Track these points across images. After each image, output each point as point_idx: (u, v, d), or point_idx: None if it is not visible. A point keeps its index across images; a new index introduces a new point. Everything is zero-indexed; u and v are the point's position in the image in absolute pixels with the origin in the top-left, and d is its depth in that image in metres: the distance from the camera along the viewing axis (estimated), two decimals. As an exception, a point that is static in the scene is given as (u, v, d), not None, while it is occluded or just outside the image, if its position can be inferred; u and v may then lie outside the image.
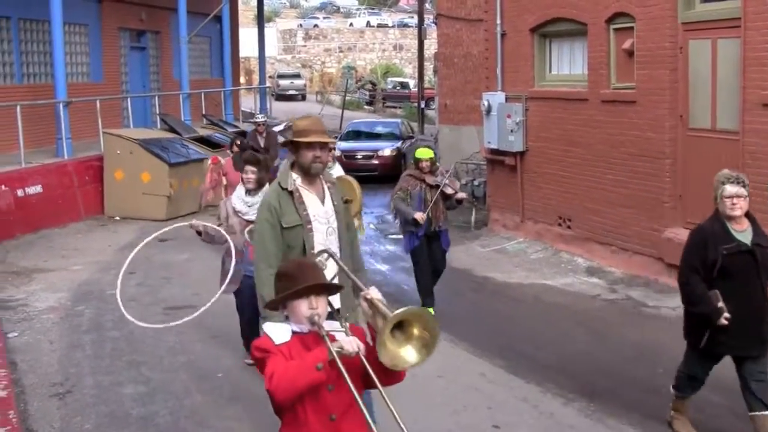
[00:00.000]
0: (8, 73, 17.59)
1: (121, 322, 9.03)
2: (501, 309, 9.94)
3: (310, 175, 4.92)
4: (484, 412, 6.65)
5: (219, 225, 7.16)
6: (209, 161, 13.25)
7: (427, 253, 9.30)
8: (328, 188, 5.06)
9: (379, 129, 24.61)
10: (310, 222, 4.89)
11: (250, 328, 7.21)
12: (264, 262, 4.84)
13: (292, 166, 4.99)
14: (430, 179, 9.22)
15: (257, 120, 15.68)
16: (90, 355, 7.97)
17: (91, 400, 6.79)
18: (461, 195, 9.51)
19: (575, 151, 12.16)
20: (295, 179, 4.93)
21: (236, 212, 7.22)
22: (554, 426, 6.35)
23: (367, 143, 22.75)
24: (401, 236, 10.08)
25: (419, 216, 9.04)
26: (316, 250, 4.69)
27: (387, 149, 22.04)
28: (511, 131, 13.36)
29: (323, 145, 4.87)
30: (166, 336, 8.52)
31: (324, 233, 4.92)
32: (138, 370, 7.51)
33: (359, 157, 21.59)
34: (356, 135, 23.82)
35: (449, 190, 9.27)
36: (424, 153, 9.39)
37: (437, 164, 9.72)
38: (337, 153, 18.79)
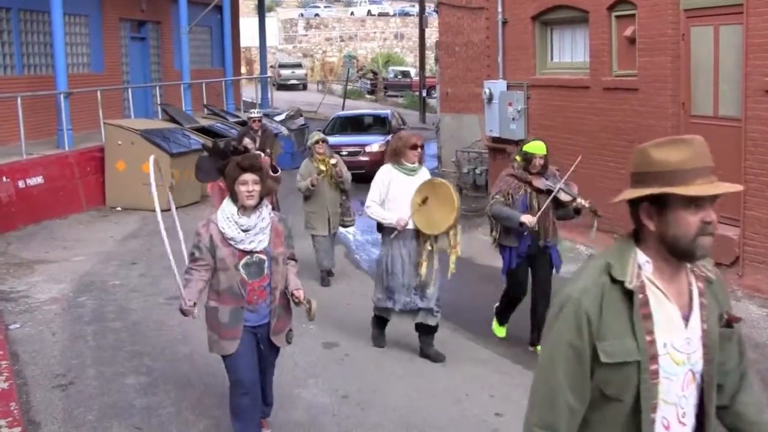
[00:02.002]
0: (9, 64, 17.55)
1: (123, 312, 9.05)
2: (503, 297, 9.92)
3: (684, 259, 2.48)
4: (486, 400, 6.65)
5: (194, 260, 5.33)
6: None
7: (531, 274, 7.81)
8: (698, 288, 2.55)
9: (368, 120, 22.65)
10: (656, 356, 2.43)
11: (250, 410, 5.39)
12: (541, 425, 2.47)
13: (636, 235, 2.54)
14: (538, 182, 7.46)
15: (252, 115, 13.70)
16: (92, 346, 7.97)
17: (93, 391, 6.79)
18: (582, 202, 7.47)
19: (577, 138, 12.13)
20: (644, 265, 2.49)
21: (226, 240, 5.17)
22: (557, 414, 6.34)
23: (353, 137, 20.58)
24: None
25: (528, 219, 7.29)
26: (661, 417, 2.45)
27: (375, 144, 19.77)
28: (513, 119, 13.34)
29: (713, 200, 2.46)
30: (167, 326, 8.53)
31: (680, 381, 2.48)
32: (140, 361, 7.51)
33: (344, 153, 17.89)
34: (342, 127, 21.73)
35: (565, 197, 7.41)
36: (536, 147, 7.49)
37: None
38: None
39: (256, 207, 5.17)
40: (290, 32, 64.38)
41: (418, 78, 37.31)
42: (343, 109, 31.49)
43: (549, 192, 7.34)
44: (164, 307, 9.24)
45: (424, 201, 7.13)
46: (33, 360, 7.52)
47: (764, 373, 7.11)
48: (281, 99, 35.91)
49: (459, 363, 7.56)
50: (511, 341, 8.20)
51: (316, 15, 67.96)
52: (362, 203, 8.05)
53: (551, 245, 7.67)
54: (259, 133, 13.09)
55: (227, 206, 5.19)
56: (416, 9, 41.98)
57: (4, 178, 13.35)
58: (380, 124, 21.96)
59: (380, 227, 7.64)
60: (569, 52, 12.90)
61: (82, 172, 15.48)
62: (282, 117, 23.46)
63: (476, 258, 11.71)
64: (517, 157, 7.63)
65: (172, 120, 17.73)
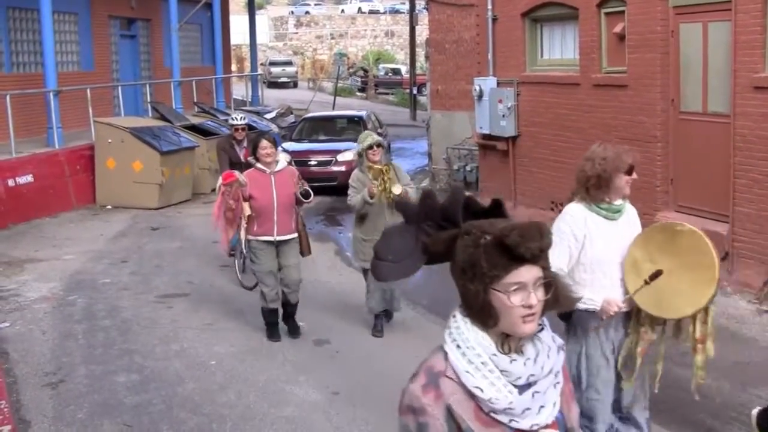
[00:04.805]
0: (-2, 62, 17.51)
1: (113, 311, 9.04)
2: (494, 294, 9.92)
3: None
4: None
5: None
6: (219, 181, 7.92)
7: None
8: None
9: (341, 123, 20.20)
10: None
11: None
12: None
13: None
14: None
15: (235, 122, 10.95)
16: (82, 344, 7.95)
17: (84, 390, 6.78)
18: None
19: (567, 135, 12.15)
20: None
21: (489, 415, 2.25)
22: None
23: (323, 144, 18.26)
24: None
25: None
26: None
27: (349, 152, 16.67)
28: (503, 116, 13.35)
29: None
30: (158, 324, 8.52)
31: None
32: (131, 359, 7.50)
33: (313, 162, 16.35)
34: (312, 131, 19.41)
35: None
36: None
37: None
38: (287, 157, 16.06)
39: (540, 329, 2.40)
40: (280, 30, 64.33)
41: (408, 75, 37.30)
42: (333, 108, 31.32)
43: None
44: (154, 305, 9.24)
45: (655, 270, 4.44)
46: (23, 358, 7.51)
47: (754, 368, 7.15)
48: (272, 97, 35.85)
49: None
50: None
51: (307, 12, 67.93)
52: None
53: None
54: (245, 144, 10.61)
55: (471, 336, 2.27)
56: (407, 6, 41.95)
57: (-6, 177, 13.32)
58: (355, 127, 19.38)
59: (566, 312, 4.46)
60: (559, 48, 12.91)
61: (72, 170, 15.45)
62: (272, 115, 23.44)
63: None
64: None
65: (162, 118, 17.71)
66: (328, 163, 17.01)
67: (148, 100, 20.68)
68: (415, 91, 34.35)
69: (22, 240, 12.63)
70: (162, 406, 6.44)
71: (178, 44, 21.98)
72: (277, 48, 61.98)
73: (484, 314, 2.23)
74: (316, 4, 72.19)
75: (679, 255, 4.38)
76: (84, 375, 7.11)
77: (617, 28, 11.06)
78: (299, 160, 15.87)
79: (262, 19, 53.92)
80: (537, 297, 2.22)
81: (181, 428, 6.06)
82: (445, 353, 2.27)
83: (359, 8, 69.61)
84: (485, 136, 14.11)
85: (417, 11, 33.02)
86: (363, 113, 21.13)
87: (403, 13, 57.18)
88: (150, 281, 10.26)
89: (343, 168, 16.80)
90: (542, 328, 2.34)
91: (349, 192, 8.01)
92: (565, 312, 4.24)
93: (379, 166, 7.88)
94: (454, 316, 2.30)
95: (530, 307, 2.21)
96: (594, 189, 4.54)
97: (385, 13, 67.44)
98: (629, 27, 10.81)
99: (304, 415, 6.26)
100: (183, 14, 21.98)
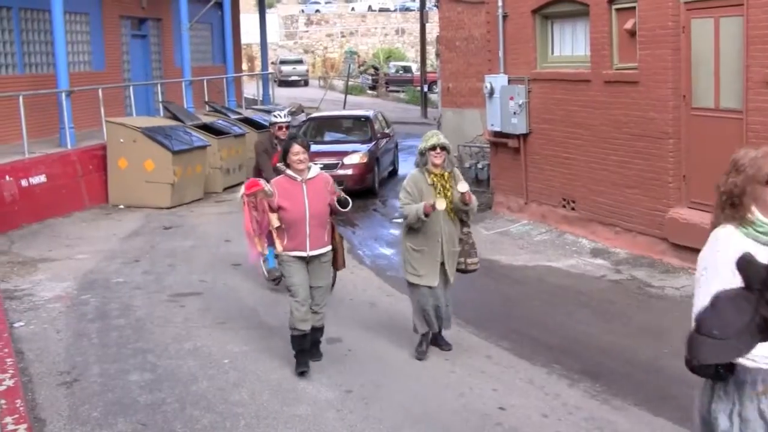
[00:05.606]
0: (10, 63, 17.57)
1: (127, 310, 9.08)
2: (506, 291, 9.94)
3: None
4: (490, 394, 6.67)
5: None
6: (242, 189, 7.04)
7: None
8: None
9: (347, 124, 19.42)
10: None
11: None
12: None
13: None
14: None
15: (278, 120, 10.33)
16: (96, 343, 7.99)
17: (98, 388, 6.81)
18: None
19: (578, 132, 12.14)
20: None
21: None
22: (560, 407, 6.37)
23: (329, 146, 17.46)
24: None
25: None
26: None
27: (356, 155, 16.77)
28: (514, 113, 13.34)
29: None
30: (171, 323, 8.55)
31: None
32: (144, 358, 7.53)
33: (319, 165, 14.02)
34: (317, 132, 18.57)
35: None
36: None
37: None
38: None
39: None
40: (291, 28, 64.43)
41: (419, 73, 37.30)
42: (344, 106, 31.31)
43: None
44: (168, 304, 9.27)
45: None
46: (38, 357, 7.55)
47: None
48: (283, 95, 35.91)
49: (463, 357, 7.57)
50: (514, 336, 8.21)
51: (317, 11, 68.03)
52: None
53: None
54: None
55: None
56: (417, 4, 41.97)
57: (7, 177, 13.37)
58: (361, 128, 18.73)
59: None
60: (570, 45, 12.89)
61: (85, 170, 15.51)
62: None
63: (479, 252, 11.70)
64: None
65: (174, 117, 17.77)
66: (334, 166, 15.94)
67: (160, 99, 20.73)
68: (425, 89, 34.34)
69: (35, 240, 12.69)
70: (176, 404, 6.47)
71: (188, 44, 22.04)
72: (287, 46, 62.09)
73: None
74: (326, 2, 72.27)
75: None
76: (98, 374, 7.14)
77: (628, 24, 11.04)
78: None
79: (272, 17, 54.00)
80: None
81: (195, 427, 6.08)
82: None
83: (369, 6, 69.68)
84: (496, 134, 14.10)
85: (427, 9, 33.05)
86: (370, 113, 20.09)
87: (414, 10, 57.24)
88: (163, 280, 10.30)
89: (349, 171, 16.38)
90: None
91: (402, 196, 7.25)
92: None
93: (440, 172, 7.17)
94: None
95: None
96: (730, 208, 3.48)
97: (395, 10, 67.52)
98: (640, 23, 10.78)
99: (318, 414, 6.28)
100: (193, 14, 22.05)
